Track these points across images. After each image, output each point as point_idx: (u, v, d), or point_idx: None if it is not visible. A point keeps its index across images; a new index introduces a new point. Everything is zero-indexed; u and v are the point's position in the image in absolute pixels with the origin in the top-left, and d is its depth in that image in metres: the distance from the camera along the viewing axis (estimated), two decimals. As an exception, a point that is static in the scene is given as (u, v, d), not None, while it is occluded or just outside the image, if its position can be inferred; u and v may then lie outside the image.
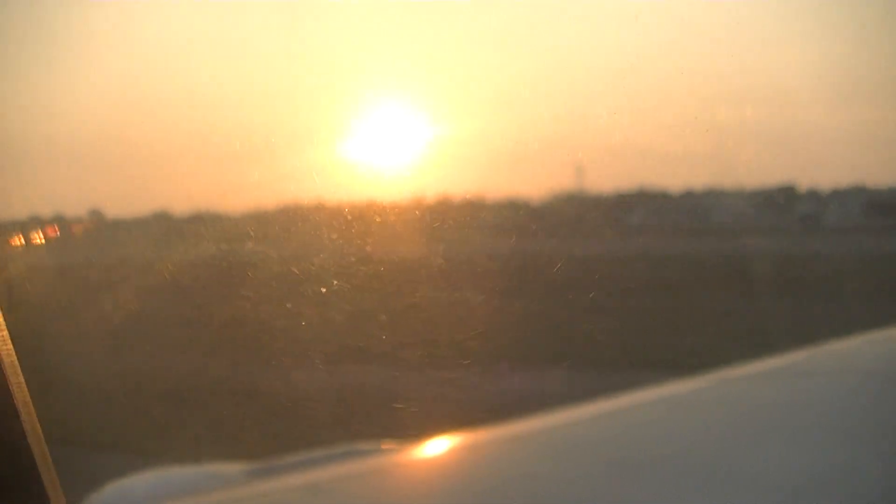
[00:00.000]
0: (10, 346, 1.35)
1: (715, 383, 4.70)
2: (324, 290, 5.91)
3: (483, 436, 4.21)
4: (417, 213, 6.63)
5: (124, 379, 10.84)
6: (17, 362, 1.37)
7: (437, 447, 4.21)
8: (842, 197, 25.73)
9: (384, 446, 4.19)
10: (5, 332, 1.35)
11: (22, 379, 1.36)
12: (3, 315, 1.36)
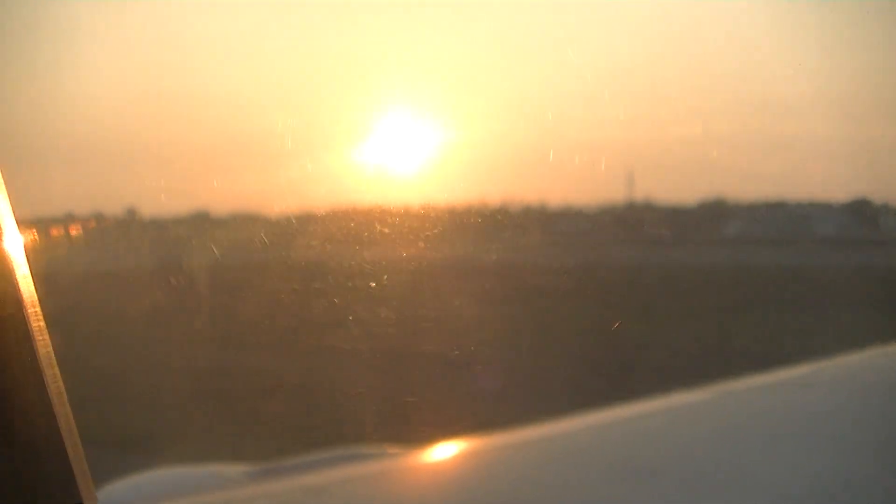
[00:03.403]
0: (47, 337, 1.35)
1: (719, 394, 4.71)
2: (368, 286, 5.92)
3: (487, 442, 4.21)
4: (465, 217, 6.62)
5: (150, 376, 10.83)
6: (52, 353, 1.37)
7: (441, 452, 4.21)
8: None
9: (388, 450, 4.19)
10: (42, 323, 1.36)
11: (57, 371, 1.36)
12: (41, 307, 1.36)
